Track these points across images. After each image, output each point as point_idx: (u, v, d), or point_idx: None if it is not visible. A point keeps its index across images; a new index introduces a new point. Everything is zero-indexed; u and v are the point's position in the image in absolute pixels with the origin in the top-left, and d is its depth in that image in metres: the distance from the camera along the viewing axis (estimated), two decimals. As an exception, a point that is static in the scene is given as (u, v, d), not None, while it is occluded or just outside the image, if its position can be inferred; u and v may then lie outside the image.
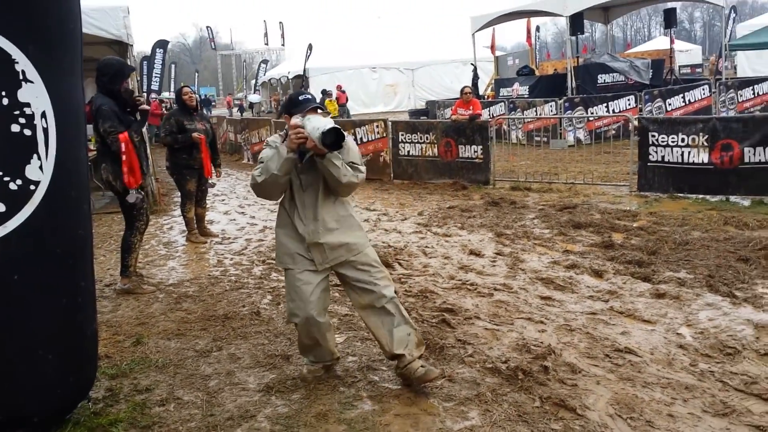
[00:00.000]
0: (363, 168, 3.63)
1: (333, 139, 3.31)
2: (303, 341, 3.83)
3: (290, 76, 36.39)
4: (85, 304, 3.34)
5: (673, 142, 8.52)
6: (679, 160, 8.50)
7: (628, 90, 15.41)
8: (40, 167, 3.00)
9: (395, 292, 3.77)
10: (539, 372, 3.87)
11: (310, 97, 3.64)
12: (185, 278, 6.25)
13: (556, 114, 14.21)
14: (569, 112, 14.24)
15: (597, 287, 5.41)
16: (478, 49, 21.79)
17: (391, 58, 35.65)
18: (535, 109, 14.92)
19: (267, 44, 57.24)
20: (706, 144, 8.25)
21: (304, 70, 32.51)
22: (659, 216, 7.56)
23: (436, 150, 10.74)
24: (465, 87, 10.96)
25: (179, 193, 7.96)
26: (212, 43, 62.12)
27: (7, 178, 2.91)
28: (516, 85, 16.99)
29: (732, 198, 8.10)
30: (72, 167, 3.18)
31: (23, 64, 2.91)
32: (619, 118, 14.22)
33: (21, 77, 2.92)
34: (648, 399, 3.57)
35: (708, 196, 8.27)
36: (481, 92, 20.73)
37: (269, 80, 42.37)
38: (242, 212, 9.63)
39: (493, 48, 27.85)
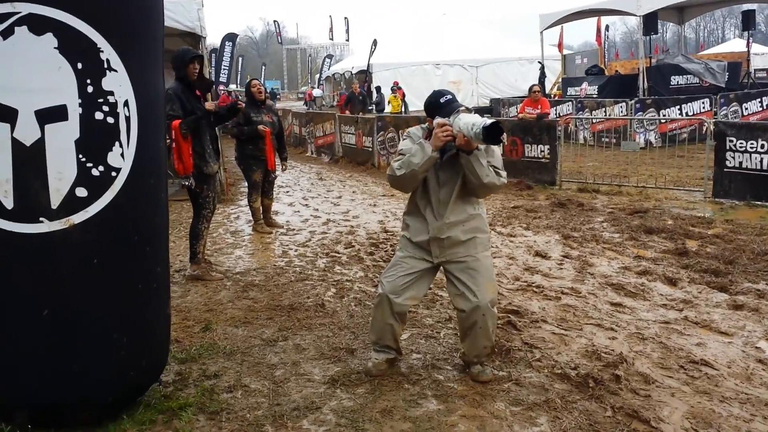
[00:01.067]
0: (504, 173, 3.64)
1: (496, 133, 3.24)
2: (375, 317, 3.86)
3: (354, 71, 36.57)
4: (159, 290, 3.40)
5: (752, 147, 8.17)
6: (758, 167, 8.14)
7: (702, 93, 14.87)
8: (122, 154, 3.06)
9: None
10: (611, 381, 3.74)
11: (451, 97, 3.62)
12: (252, 267, 6.33)
13: (627, 115, 13.81)
14: (640, 113, 13.82)
15: (671, 296, 5.22)
16: (546, 47, 21.45)
17: (455, 54, 35.37)
18: (604, 109, 14.55)
19: (332, 39, 57.76)
20: (788, 150, 7.87)
21: (368, 66, 32.62)
22: (736, 224, 7.25)
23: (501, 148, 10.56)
24: (534, 85, 10.78)
25: (245, 184, 8.07)
26: (279, 37, 63.06)
27: (89, 164, 2.97)
28: (585, 85, 16.61)
29: (814, 208, 7.71)
30: (152, 155, 3.24)
31: (108, 53, 2.97)
32: (693, 122, 13.74)
33: (105, 66, 2.97)
34: (726, 414, 3.41)
35: (789, 206, 7.90)
36: (547, 91, 20.34)
37: (333, 75, 42.70)
38: (306, 204, 9.72)
39: (560, 46, 27.28)
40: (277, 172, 8.04)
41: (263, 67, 54.30)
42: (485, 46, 35.66)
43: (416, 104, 32.12)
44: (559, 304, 5.14)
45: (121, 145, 3.06)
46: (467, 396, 3.63)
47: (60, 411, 3.14)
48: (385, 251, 6.73)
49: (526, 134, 10.28)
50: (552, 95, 19.28)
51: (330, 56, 47.33)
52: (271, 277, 5.98)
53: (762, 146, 8.04)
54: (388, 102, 21.98)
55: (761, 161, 8.08)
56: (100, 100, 2.97)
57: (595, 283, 5.59)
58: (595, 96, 16.25)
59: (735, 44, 44.20)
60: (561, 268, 6.03)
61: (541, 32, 19.74)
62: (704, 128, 13.94)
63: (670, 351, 4.22)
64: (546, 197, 9.39)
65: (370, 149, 13.13)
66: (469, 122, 3.32)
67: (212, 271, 6.05)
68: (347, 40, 56.10)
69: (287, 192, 11.03)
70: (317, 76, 47.58)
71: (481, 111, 19.95)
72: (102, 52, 2.96)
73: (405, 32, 39.68)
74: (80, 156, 2.95)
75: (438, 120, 3.48)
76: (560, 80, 21.12)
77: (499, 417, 3.41)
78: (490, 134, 3.22)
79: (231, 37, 31.90)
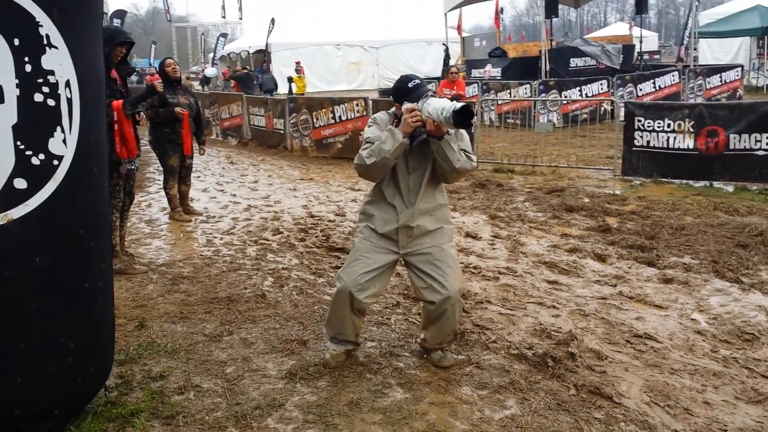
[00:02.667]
0: (474, 156, 3.55)
1: (466, 117, 3.15)
2: (331, 309, 3.74)
3: (251, 51, 35.61)
4: (105, 288, 3.12)
5: (659, 127, 8.58)
6: (665, 146, 8.57)
7: (600, 74, 15.52)
8: (64, 141, 2.76)
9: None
10: (567, 358, 3.80)
11: (419, 81, 3.52)
12: (176, 258, 5.99)
13: (531, 97, 14.21)
14: (544, 95, 14.25)
15: (603, 272, 5.39)
16: (444, 31, 21.68)
17: (355, 35, 35.20)
18: (509, 91, 14.89)
19: (224, 17, 55.80)
20: (692, 130, 8.32)
21: (267, 45, 31.88)
22: (649, 201, 7.61)
23: (418, 130, 10.57)
24: (452, 66, 10.84)
25: (150, 169, 7.62)
26: (167, 15, 60.30)
27: (29, 152, 2.66)
28: (488, 67, 16.93)
29: (716, 184, 8.21)
30: (95, 141, 2.95)
31: (47, 27, 2.65)
32: (592, 102, 14.33)
33: (45, 42, 2.66)
34: (679, 386, 3.55)
35: (692, 182, 8.37)
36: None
37: (229, 54, 41.38)
38: (221, 190, 9.34)
39: (459, 28, 27.72)
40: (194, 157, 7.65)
41: (153, 46, 51.73)
42: (385, 27, 35.68)
43: (317, 85, 31.84)
44: (499, 284, 5.20)
45: (63, 131, 2.75)
46: (432, 382, 3.58)
47: (2, 425, 2.82)
48: (316, 237, 6.57)
49: (443, 115, 10.32)
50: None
51: (224, 35, 45.77)
52: (201, 267, 5.69)
53: (668, 125, 8.47)
54: (292, 82, 21.48)
55: (667, 140, 8.50)
56: (40, 80, 2.66)
57: (528, 262, 5.69)
58: (498, 78, 16.61)
59: (617, 28, 46.59)
60: (494, 249, 6.10)
61: (445, 14, 19.90)
62: (602, 109, 14.65)
63: (612, 326, 4.36)
64: (465, 178, 9.49)
65: (282, 131, 12.81)
66: (438, 107, 3.23)
67: (135, 264, 5.67)
68: (240, 19, 54.41)
69: (198, 177, 10.55)
70: (210, 55, 45.91)
71: (388, 92, 19.95)
72: (41, 26, 2.64)
73: (304, 11, 38.97)
74: (18, 143, 2.63)
75: (407, 105, 3.39)
76: (462, 62, 21.36)
77: (468, 402, 3.38)
78: (460, 118, 3.15)
79: (119, 14, 30.15)
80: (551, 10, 15.60)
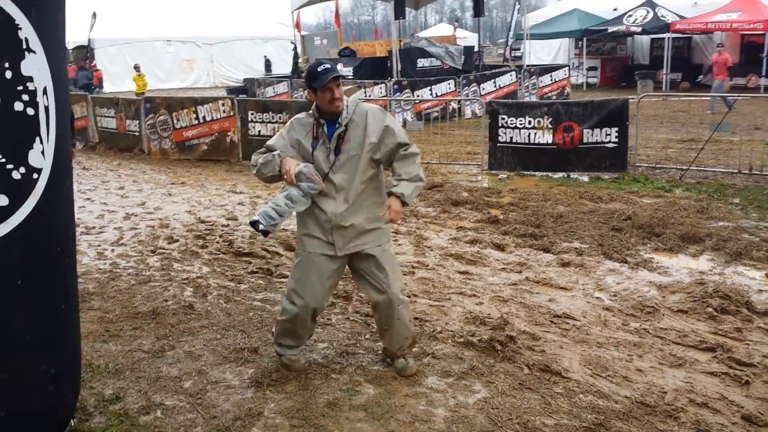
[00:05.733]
0: (413, 145, 3.51)
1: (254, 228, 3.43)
2: (289, 327, 3.65)
3: (70, 47, 33.04)
4: (76, 308, 2.92)
5: (521, 124, 9.30)
6: (526, 141, 9.31)
7: (444, 75, 16.36)
8: (42, 152, 2.56)
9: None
10: (509, 342, 4.11)
11: (329, 66, 3.42)
12: (72, 274, 5.57)
13: (386, 96, 14.67)
14: (398, 94, 14.77)
15: (506, 260, 5.81)
16: (281, 28, 21.54)
17: (188, 31, 33.95)
18: (364, 90, 15.24)
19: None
20: (550, 126, 9.13)
21: (89, 41, 29.76)
22: (521, 192, 8.24)
23: (289, 130, 10.55)
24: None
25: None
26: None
27: (10, 166, 2.44)
28: (340, 66, 17.15)
29: (572, 174, 9.08)
30: (66, 151, 2.75)
31: (26, 30, 2.45)
32: (441, 101, 15.09)
33: (24, 46, 2.45)
34: (611, 358, 3.98)
35: (551, 174, 9.17)
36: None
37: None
38: (88, 198, 8.72)
39: (298, 26, 27.73)
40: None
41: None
42: (219, 22, 34.72)
43: (148, 83, 30.25)
44: (416, 278, 5.43)
45: (41, 141, 2.56)
46: (398, 376, 3.71)
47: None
48: (218, 243, 6.40)
49: (315, 115, 10.39)
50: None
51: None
52: (105, 282, 5.35)
53: (529, 122, 9.21)
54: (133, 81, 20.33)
55: (529, 136, 9.25)
56: (20, 88, 2.46)
57: (436, 255, 5.98)
58: (350, 77, 16.92)
59: (441, 29, 48.97)
60: (399, 245, 6.32)
61: (292, 12, 19.87)
62: (450, 107, 15.48)
63: (532, 309, 4.75)
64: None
65: (137, 133, 12.15)
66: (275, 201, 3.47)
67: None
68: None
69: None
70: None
71: (236, 91, 19.56)
72: (20, 29, 2.43)
73: (130, 4, 36.83)
74: (-1, 157, 2.41)
75: (290, 169, 3.41)
76: (304, 61, 21.39)
77: (439, 390, 3.57)
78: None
79: None
80: (399, 12, 16.18)
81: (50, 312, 2.66)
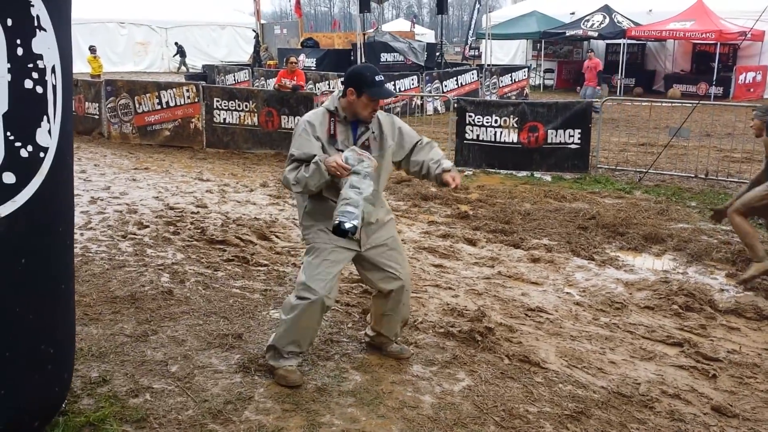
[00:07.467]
0: (426, 139, 3.68)
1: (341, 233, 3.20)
2: (301, 323, 3.45)
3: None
4: (73, 288, 2.91)
5: (487, 122, 9.47)
6: (492, 139, 9.49)
7: (407, 70, 16.47)
8: (49, 131, 2.54)
9: None
10: (487, 333, 4.23)
11: (383, 78, 3.40)
12: (42, 257, 5.46)
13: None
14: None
15: (478, 254, 5.94)
16: (238, 15, 21.36)
17: (142, 14, 33.24)
18: (328, 82, 15.24)
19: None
20: (516, 125, 9.32)
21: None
22: (488, 189, 8.40)
23: (256, 119, 10.50)
24: (290, 57, 10.86)
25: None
26: None
27: (18, 144, 2.41)
28: (302, 57, 17.09)
29: (536, 173, 9.30)
30: (69, 131, 2.73)
31: (38, 7, 2.42)
32: (404, 97, 15.19)
33: (36, 23, 2.43)
34: (584, 350, 4.14)
35: (515, 172, 9.38)
36: (262, 61, 20.41)
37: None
38: (48, 181, 8.50)
39: (258, 14, 27.46)
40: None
41: None
42: (175, 6, 34.09)
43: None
44: (392, 269, 5.50)
45: (48, 120, 2.54)
46: (384, 364, 3.80)
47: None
48: (189, 230, 6.35)
49: (283, 106, 10.36)
50: (267, 65, 19.39)
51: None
52: (78, 266, 5.25)
53: (496, 121, 9.39)
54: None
55: (495, 134, 9.43)
56: (30, 66, 2.43)
57: (410, 248, 6.07)
58: (314, 68, 16.87)
59: (398, 24, 49.13)
60: (372, 236, 6.39)
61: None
62: (413, 103, 15.59)
63: (506, 302, 4.89)
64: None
65: (97, 116, 11.88)
66: (342, 195, 3.25)
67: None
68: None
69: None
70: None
71: (195, 77, 19.25)
72: (32, 6, 2.40)
73: (82, -15, 35.75)
74: (8, 133, 2.39)
75: (337, 161, 3.23)
76: (264, 49, 21.21)
77: (425, 378, 3.66)
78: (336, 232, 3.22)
79: None
80: (365, 5, 16.21)
81: (51, 292, 2.64)
